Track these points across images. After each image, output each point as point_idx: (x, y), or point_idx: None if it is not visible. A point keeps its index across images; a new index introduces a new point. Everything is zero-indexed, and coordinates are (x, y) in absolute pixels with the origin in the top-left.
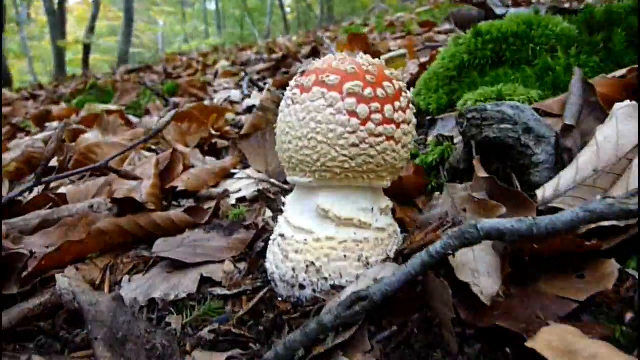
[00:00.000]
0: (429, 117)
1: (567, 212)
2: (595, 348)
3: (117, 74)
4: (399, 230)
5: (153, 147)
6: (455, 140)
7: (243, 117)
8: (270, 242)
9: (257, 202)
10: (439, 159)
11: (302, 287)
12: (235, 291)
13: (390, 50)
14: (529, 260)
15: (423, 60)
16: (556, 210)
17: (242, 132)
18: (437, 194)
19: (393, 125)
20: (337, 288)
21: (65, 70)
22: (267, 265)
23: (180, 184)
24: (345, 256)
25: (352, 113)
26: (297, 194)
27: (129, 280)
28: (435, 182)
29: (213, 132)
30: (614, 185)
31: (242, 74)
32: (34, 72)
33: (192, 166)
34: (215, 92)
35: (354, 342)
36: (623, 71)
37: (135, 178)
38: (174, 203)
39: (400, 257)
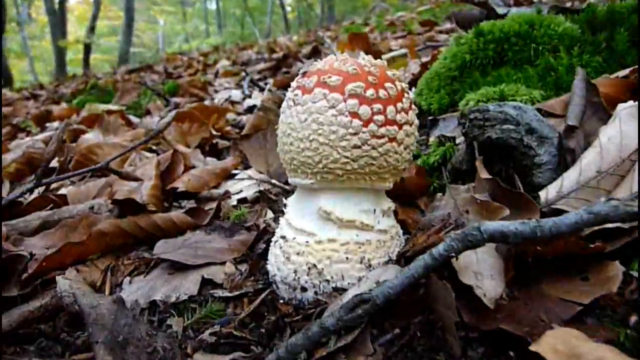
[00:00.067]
0: (430, 117)
1: (571, 214)
2: (600, 351)
3: (117, 74)
4: (401, 232)
5: (154, 148)
6: (457, 141)
7: (244, 117)
8: (272, 244)
9: (258, 203)
10: (441, 160)
11: (303, 289)
12: (236, 293)
13: (391, 50)
14: (532, 262)
15: (424, 59)
16: (559, 212)
17: (243, 132)
18: (439, 195)
19: (395, 127)
20: (339, 290)
21: (65, 70)
22: (269, 267)
23: (181, 184)
24: (347, 258)
25: (354, 114)
26: (298, 196)
27: (130, 282)
28: (437, 183)
29: (214, 132)
30: (618, 186)
31: (243, 73)
32: (34, 71)
33: (193, 167)
34: (216, 91)
35: (356, 345)
36: (626, 71)
37: (136, 179)
38: (175, 204)
39: (403, 259)
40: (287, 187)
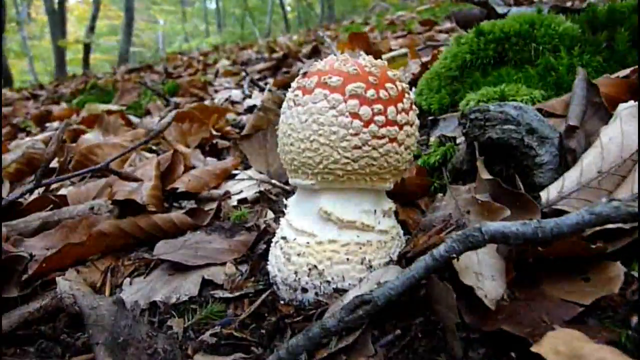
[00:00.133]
0: (430, 117)
1: (572, 215)
2: (601, 353)
3: (117, 74)
4: (401, 232)
5: (154, 148)
6: (458, 141)
7: (244, 117)
8: (272, 244)
9: (258, 203)
10: (442, 160)
11: (304, 290)
12: (237, 294)
13: (391, 50)
14: (533, 263)
15: (424, 59)
16: (560, 212)
17: (243, 132)
18: (439, 195)
19: (396, 127)
20: (340, 291)
21: (65, 70)
22: (269, 268)
23: (181, 185)
24: (348, 259)
25: (355, 115)
26: (299, 196)
27: (130, 283)
28: (437, 183)
29: (214, 133)
30: (619, 186)
31: (243, 73)
32: (34, 71)
33: (193, 167)
34: (216, 91)
35: (357, 346)
36: (626, 71)
37: (136, 179)
38: (175, 204)
39: (404, 259)
40: (287, 187)
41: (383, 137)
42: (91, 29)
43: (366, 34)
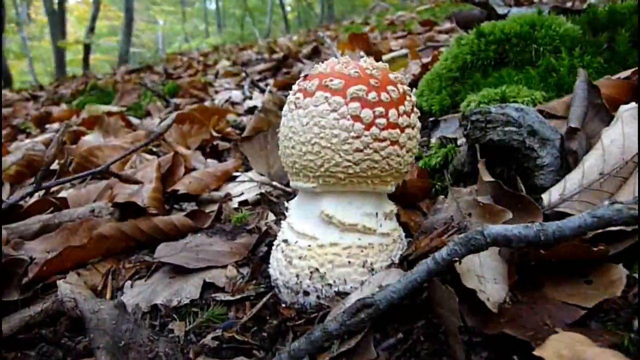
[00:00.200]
0: (431, 119)
1: (574, 218)
2: (604, 356)
3: (117, 75)
4: (403, 234)
5: (154, 149)
6: (459, 142)
7: (244, 118)
8: (274, 247)
9: (259, 205)
10: (443, 162)
11: (306, 293)
12: (238, 297)
13: (391, 50)
14: (535, 265)
15: (425, 60)
16: (562, 215)
17: (244, 134)
18: (441, 197)
19: (397, 130)
20: (342, 294)
21: (65, 71)
22: (271, 271)
23: (182, 187)
24: (349, 262)
25: (356, 118)
26: (300, 199)
27: (131, 286)
28: (439, 185)
29: (214, 134)
30: (620, 188)
31: (243, 74)
32: (34, 72)
33: (194, 169)
34: (216, 92)
35: (359, 350)
36: (627, 72)
37: (136, 182)
38: (176, 206)
39: (405, 262)
40: (288, 189)
41: (384, 139)
42: (91, 29)
43: (366, 35)
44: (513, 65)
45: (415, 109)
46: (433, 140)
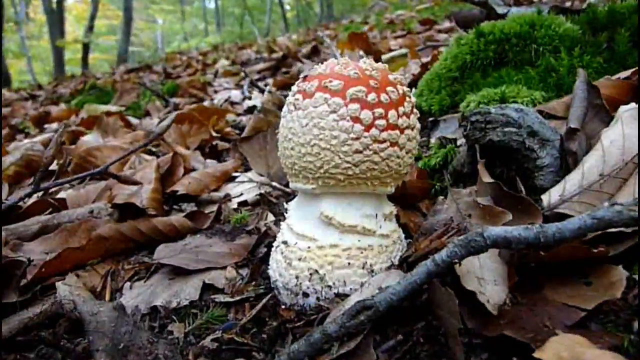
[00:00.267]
0: (431, 119)
1: (574, 220)
2: (604, 358)
3: (116, 74)
4: (403, 236)
5: (153, 150)
6: (459, 143)
7: (244, 118)
8: (273, 249)
9: (259, 205)
10: (442, 162)
11: (305, 295)
12: (237, 298)
13: (391, 50)
14: (535, 267)
15: (424, 60)
16: (562, 216)
17: (243, 134)
18: (440, 198)
19: (397, 131)
20: (341, 296)
21: (64, 70)
22: (270, 272)
23: (181, 188)
24: (349, 264)
25: (356, 119)
26: (299, 200)
27: (130, 287)
28: (438, 186)
29: (214, 134)
30: (620, 189)
31: (242, 74)
32: (32, 71)
33: (193, 169)
34: (216, 92)
35: (358, 352)
36: (627, 72)
37: (135, 183)
38: (175, 207)
39: (405, 264)
40: (287, 189)
41: (384, 141)
42: (90, 28)
43: (365, 34)
44: (512, 65)
45: (414, 110)
46: (432, 140)
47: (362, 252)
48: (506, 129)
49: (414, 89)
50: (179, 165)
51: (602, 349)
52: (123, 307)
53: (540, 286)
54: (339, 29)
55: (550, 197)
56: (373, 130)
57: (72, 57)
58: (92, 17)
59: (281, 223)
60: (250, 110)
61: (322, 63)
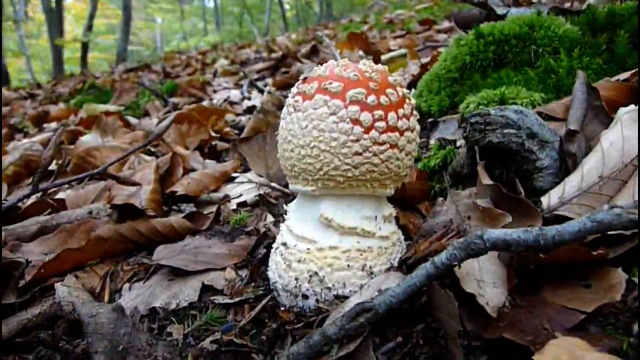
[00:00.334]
0: (430, 120)
1: (574, 222)
2: None
3: (115, 73)
4: (402, 237)
5: (152, 150)
6: (458, 144)
7: (243, 118)
8: (273, 250)
9: (258, 206)
10: (442, 163)
11: (305, 297)
12: (237, 299)
13: (390, 50)
14: (534, 269)
15: (424, 60)
16: (562, 218)
17: (243, 135)
18: (440, 199)
19: (397, 133)
20: (341, 298)
21: (63, 69)
22: (270, 274)
23: (180, 188)
24: (348, 265)
25: (356, 121)
26: (299, 202)
27: (130, 288)
28: (438, 187)
29: (213, 134)
30: (620, 192)
31: (242, 73)
32: (31, 70)
33: (192, 169)
34: (215, 91)
35: (358, 354)
36: (627, 74)
37: (134, 184)
38: (174, 208)
39: (405, 265)
40: (287, 190)
41: (384, 143)
42: (89, 27)
43: (365, 34)
44: (512, 66)
45: (414, 112)
46: (432, 141)
47: (361, 254)
48: (505, 131)
49: (413, 90)
50: (178, 166)
51: (602, 351)
52: (122, 308)
53: (540, 289)
54: (338, 28)
55: (549, 199)
56: (373, 132)
57: (71, 56)
58: (91, 16)
59: (280, 224)
60: (250, 110)
61: (321, 63)
